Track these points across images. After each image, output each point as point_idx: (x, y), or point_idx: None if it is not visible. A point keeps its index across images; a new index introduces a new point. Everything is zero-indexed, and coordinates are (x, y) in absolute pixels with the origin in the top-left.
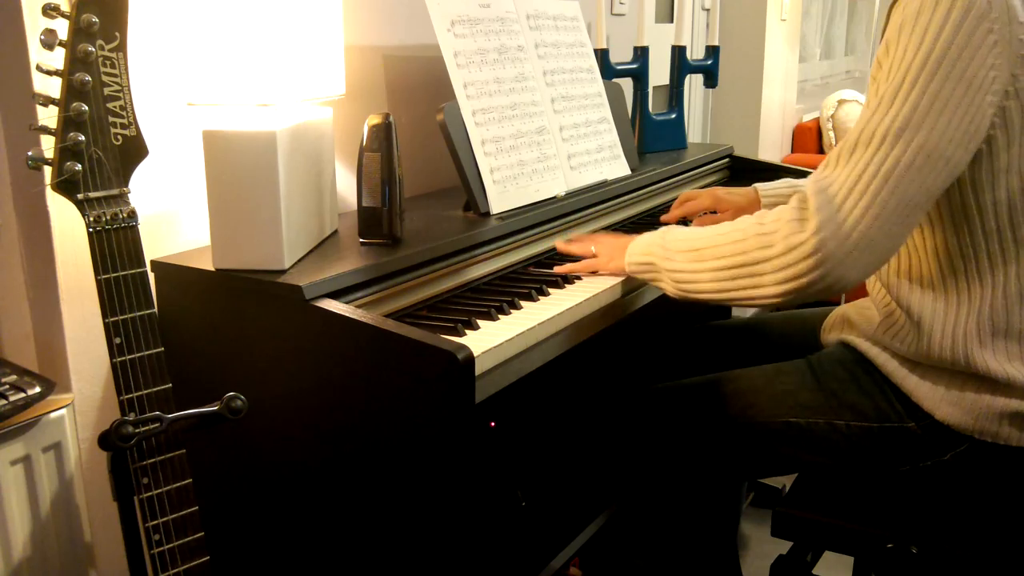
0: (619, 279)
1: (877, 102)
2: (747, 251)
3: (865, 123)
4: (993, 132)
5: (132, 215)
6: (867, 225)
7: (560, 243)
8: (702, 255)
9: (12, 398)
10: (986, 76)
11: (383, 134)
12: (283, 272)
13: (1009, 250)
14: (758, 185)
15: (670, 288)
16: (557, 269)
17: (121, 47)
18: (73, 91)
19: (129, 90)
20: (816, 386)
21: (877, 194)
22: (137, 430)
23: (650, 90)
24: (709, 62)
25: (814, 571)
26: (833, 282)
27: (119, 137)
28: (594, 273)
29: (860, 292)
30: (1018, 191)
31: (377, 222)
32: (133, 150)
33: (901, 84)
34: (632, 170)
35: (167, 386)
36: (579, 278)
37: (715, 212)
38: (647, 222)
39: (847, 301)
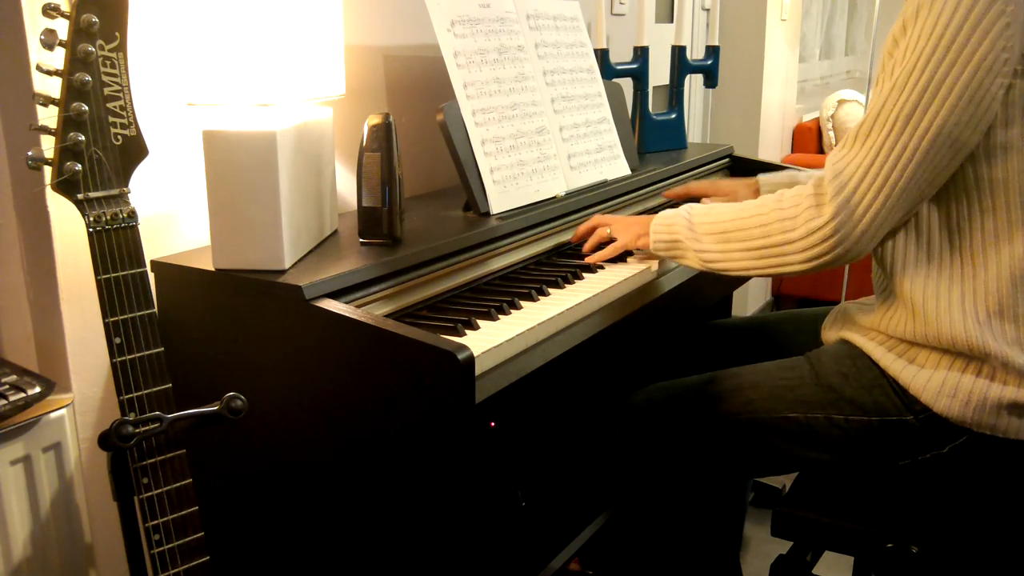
0: (619, 279)
1: (891, 85)
2: (771, 234)
3: (881, 105)
4: (994, 107)
5: (132, 215)
6: (878, 208)
7: (588, 259)
8: (729, 237)
9: (12, 398)
10: (996, 58)
11: (383, 134)
12: (283, 272)
13: (1003, 231)
14: (761, 176)
15: (695, 264)
16: (589, 259)
17: (121, 47)
18: (73, 91)
19: (129, 90)
20: (815, 381)
21: (887, 179)
22: (137, 430)
23: (650, 90)
24: (709, 62)
25: (814, 571)
26: (852, 257)
27: (119, 137)
28: (626, 252)
29: (862, 288)
30: (1015, 172)
31: (377, 222)
32: (133, 150)
33: (913, 68)
34: (632, 170)
35: (167, 386)
36: (581, 277)
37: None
38: None
39: (848, 297)
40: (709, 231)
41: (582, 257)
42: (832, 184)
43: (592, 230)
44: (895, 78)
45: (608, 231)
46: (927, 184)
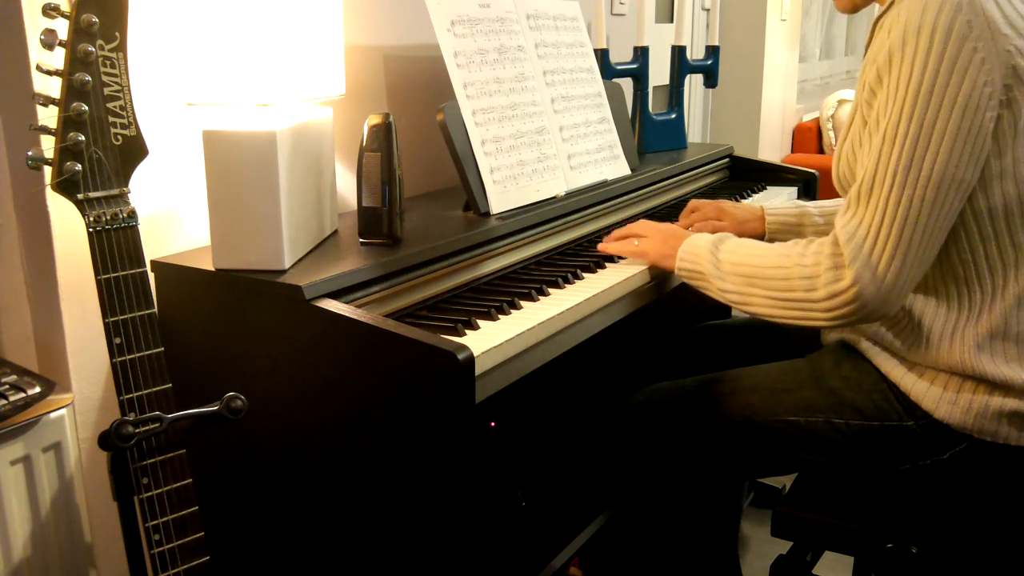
0: (619, 279)
1: (880, 140)
2: (793, 288)
3: (876, 161)
4: (988, 141)
5: (132, 215)
6: (898, 265)
7: (602, 245)
8: (752, 281)
9: (12, 398)
10: (981, 94)
11: (383, 134)
12: (283, 272)
13: (1008, 255)
14: (765, 206)
15: (717, 298)
16: (601, 247)
17: (121, 47)
18: (73, 91)
19: (129, 90)
20: (816, 385)
21: (901, 234)
22: (137, 430)
23: (650, 90)
24: (709, 62)
25: (814, 571)
26: (879, 316)
27: (119, 137)
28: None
29: None
30: (1014, 198)
31: (377, 222)
32: (133, 150)
33: (899, 119)
34: (632, 170)
35: (167, 386)
36: (581, 277)
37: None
38: None
39: None
40: (733, 271)
41: (583, 256)
42: (848, 248)
43: (624, 237)
44: (883, 131)
45: (637, 243)
46: (940, 230)
